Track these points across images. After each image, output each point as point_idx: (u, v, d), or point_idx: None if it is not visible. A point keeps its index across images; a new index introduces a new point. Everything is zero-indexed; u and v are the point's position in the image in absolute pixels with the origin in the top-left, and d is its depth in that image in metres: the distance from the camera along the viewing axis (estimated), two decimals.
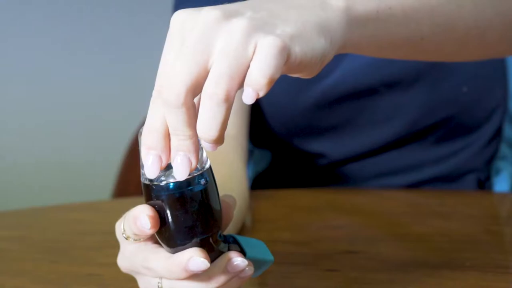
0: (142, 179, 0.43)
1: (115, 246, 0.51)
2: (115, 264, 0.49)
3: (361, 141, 0.91)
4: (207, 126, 0.39)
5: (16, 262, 0.68)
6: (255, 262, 0.46)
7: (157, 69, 0.42)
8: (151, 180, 0.43)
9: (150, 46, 2.02)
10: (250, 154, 0.98)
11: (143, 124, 0.42)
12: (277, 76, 0.40)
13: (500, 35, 0.59)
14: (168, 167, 0.43)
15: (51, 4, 2.05)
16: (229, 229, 0.56)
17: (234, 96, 0.40)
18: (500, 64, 0.89)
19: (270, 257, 0.48)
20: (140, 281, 0.47)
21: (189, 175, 0.42)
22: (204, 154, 0.43)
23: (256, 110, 0.89)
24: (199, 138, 0.42)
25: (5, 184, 2.06)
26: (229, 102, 0.39)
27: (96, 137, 2.11)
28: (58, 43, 2.07)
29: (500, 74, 0.90)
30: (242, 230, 0.68)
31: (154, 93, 0.41)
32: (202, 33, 0.40)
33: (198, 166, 0.42)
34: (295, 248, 0.67)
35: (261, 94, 0.39)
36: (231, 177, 0.70)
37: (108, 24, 2.08)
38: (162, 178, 0.42)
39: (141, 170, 0.43)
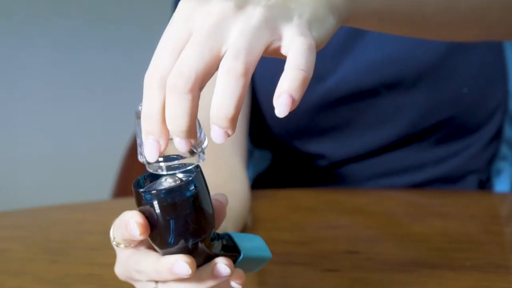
0: (140, 176, 0.43)
1: None
2: (115, 264, 0.49)
3: (361, 142, 0.91)
4: (224, 103, 0.38)
5: (16, 262, 0.68)
6: (252, 260, 0.46)
7: None
8: (140, 187, 0.42)
9: (151, 46, 2.02)
10: (250, 154, 0.98)
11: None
12: (311, 74, 0.39)
13: (499, 18, 0.61)
14: (159, 176, 0.43)
15: (52, 3, 2.05)
16: (232, 231, 0.56)
17: (252, 72, 0.38)
18: (500, 64, 0.89)
19: (267, 253, 0.47)
20: (138, 287, 0.47)
21: (180, 181, 0.42)
22: (202, 133, 0.42)
23: (256, 111, 0.89)
24: (200, 138, 0.41)
25: (5, 184, 2.07)
26: (247, 77, 0.38)
27: (96, 137, 2.11)
28: (59, 42, 2.07)
29: (500, 74, 0.90)
30: (243, 230, 0.68)
31: (147, 78, 0.40)
32: (217, 21, 0.39)
33: (190, 165, 0.42)
34: (295, 248, 0.67)
35: (296, 98, 0.38)
36: (232, 179, 0.70)
37: (109, 23, 2.08)
38: (153, 184, 0.42)
39: (138, 149, 0.42)
